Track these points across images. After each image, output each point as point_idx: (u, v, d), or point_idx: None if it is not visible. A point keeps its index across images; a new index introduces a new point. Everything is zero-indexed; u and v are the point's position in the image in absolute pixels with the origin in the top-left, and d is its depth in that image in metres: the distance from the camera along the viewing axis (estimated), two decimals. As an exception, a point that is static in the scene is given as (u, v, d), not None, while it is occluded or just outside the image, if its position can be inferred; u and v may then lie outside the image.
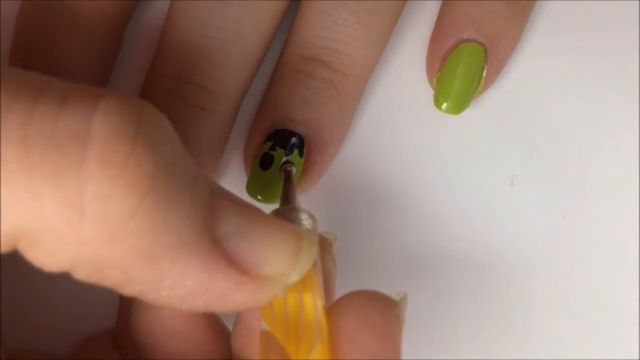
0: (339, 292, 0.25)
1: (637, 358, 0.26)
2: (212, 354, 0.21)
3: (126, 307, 0.21)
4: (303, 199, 0.26)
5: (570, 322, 0.26)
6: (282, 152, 0.24)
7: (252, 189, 0.25)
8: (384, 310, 0.18)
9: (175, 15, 0.24)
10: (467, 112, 0.26)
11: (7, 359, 0.21)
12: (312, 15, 0.25)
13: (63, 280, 0.24)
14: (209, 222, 0.17)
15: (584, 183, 0.27)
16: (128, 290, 0.17)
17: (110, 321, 0.23)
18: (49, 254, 0.15)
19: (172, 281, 0.16)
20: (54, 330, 0.24)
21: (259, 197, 0.25)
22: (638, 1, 0.28)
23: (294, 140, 0.24)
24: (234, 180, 0.26)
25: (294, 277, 0.18)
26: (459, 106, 0.25)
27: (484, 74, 0.25)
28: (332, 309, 0.19)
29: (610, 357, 0.26)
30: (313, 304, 0.18)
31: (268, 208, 0.23)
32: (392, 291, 0.25)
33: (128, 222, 0.15)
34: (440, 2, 0.27)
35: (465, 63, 0.25)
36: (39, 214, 0.15)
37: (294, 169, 0.24)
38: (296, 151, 0.24)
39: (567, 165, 0.27)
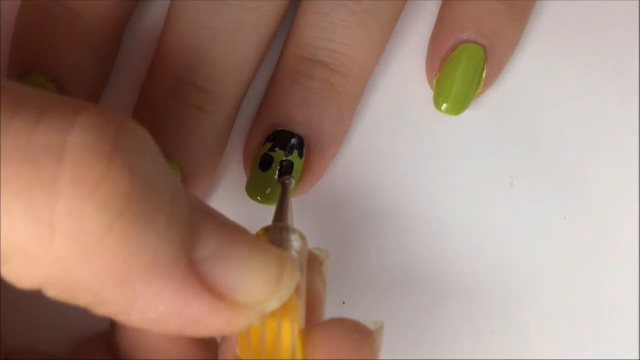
0: (338, 291, 0.25)
1: (637, 358, 0.26)
2: None
3: None
4: (303, 199, 0.26)
5: (570, 322, 0.26)
6: (281, 153, 0.24)
7: (251, 189, 0.25)
8: (359, 342, 0.18)
9: (175, 16, 0.24)
10: (467, 113, 0.26)
11: (6, 358, 0.21)
12: (312, 16, 0.25)
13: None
14: (188, 243, 0.16)
15: (584, 183, 0.27)
16: (100, 311, 0.16)
17: (108, 322, 0.23)
18: (19, 271, 0.15)
19: (145, 304, 0.16)
20: (53, 330, 0.24)
21: (258, 198, 0.25)
22: (638, 1, 0.28)
23: (293, 141, 0.24)
24: (233, 181, 0.26)
25: (274, 305, 0.17)
26: (458, 107, 0.25)
27: (484, 75, 0.25)
28: (308, 339, 0.18)
29: (610, 357, 0.26)
30: (291, 336, 0.18)
31: (267, 208, 0.23)
32: (391, 291, 0.25)
33: (100, 241, 0.15)
34: (440, 2, 0.27)
35: (465, 64, 0.25)
36: (9, 230, 0.14)
37: (293, 182, 0.24)
38: (296, 152, 0.24)
39: (567, 165, 0.27)
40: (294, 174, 0.24)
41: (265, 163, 0.24)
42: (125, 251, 0.15)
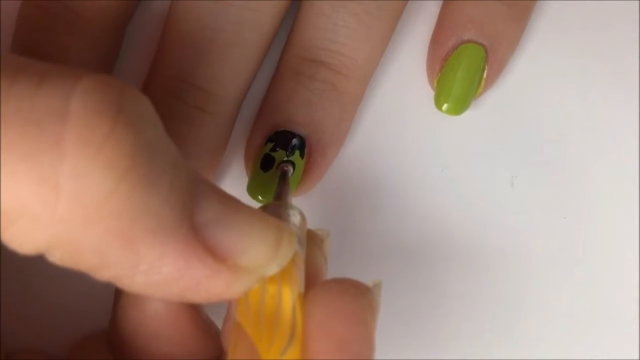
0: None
1: (637, 358, 0.26)
2: (199, 354, 0.20)
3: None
4: (303, 199, 0.26)
5: (570, 322, 0.26)
6: (283, 153, 0.24)
7: (252, 189, 0.25)
8: (356, 296, 0.18)
9: (176, 16, 0.24)
10: (468, 113, 0.26)
11: (6, 358, 0.21)
12: (313, 16, 0.25)
13: (62, 279, 0.24)
14: (189, 208, 0.16)
15: (584, 183, 0.27)
16: (104, 274, 0.16)
17: (107, 321, 0.23)
18: (24, 234, 0.15)
19: (148, 266, 0.16)
20: (53, 329, 0.24)
21: (259, 197, 0.25)
22: (638, 1, 0.28)
23: (294, 141, 0.24)
24: (234, 181, 0.26)
25: (272, 270, 0.18)
26: (459, 107, 0.25)
27: (485, 75, 0.25)
28: (306, 298, 0.18)
29: (610, 357, 0.26)
30: (291, 299, 0.18)
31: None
32: (391, 291, 0.25)
33: (105, 202, 0.15)
34: (441, 2, 0.27)
35: (466, 64, 0.25)
36: (14, 192, 0.15)
37: (291, 169, 0.24)
38: (297, 152, 0.24)
39: (567, 165, 0.27)
40: (295, 174, 0.24)
41: (266, 163, 0.24)
42: (129, 212, 0.15)
